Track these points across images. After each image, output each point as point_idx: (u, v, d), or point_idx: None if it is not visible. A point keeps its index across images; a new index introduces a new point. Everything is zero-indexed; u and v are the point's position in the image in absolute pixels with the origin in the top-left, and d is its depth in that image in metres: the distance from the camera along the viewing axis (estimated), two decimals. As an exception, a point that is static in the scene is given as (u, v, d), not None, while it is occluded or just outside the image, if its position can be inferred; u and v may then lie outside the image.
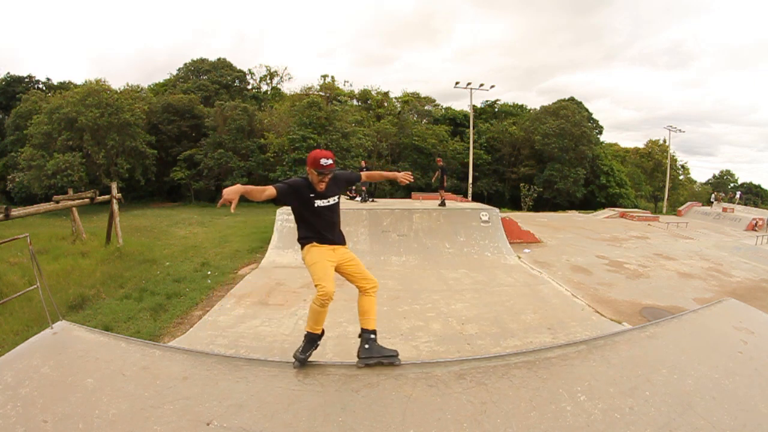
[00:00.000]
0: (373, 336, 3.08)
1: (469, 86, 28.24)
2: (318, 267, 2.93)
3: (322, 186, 3.00)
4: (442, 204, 12.40)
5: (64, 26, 79.94)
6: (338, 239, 3.16)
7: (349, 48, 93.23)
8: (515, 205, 36.36)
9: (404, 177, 3.46)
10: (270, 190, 2.84)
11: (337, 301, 6.87)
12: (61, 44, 77.27)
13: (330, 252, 3.06)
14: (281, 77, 44.32)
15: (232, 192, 2.59)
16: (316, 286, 2.88)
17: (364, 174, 3.58)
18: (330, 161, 2.95)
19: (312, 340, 3.08)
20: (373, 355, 3.04)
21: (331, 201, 3.10)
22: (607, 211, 24.88)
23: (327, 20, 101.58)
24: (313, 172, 2.94)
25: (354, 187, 16.56)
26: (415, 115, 42.03)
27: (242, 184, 2.73)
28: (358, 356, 3.08)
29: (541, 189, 36.05)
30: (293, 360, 3.08)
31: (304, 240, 3.10)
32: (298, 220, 3.11)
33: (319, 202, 3.02)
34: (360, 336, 3.14)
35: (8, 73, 34.71)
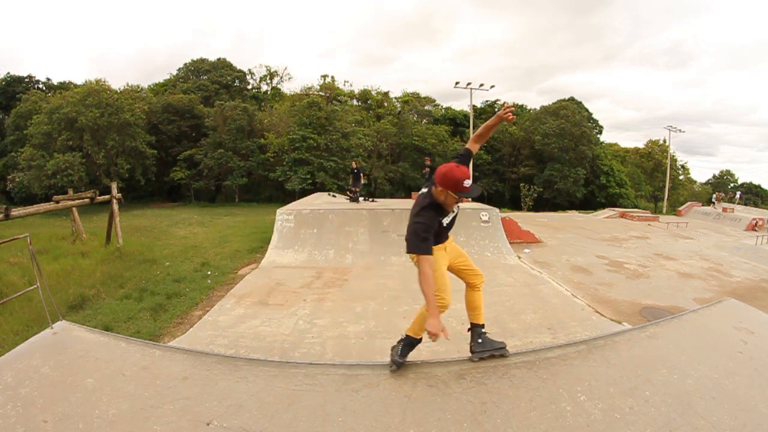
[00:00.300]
0: (484, 330, 3.12)
1: (469, 86, 28.25)
2: (437, 275, 2.76)
3: (454, 207, 2.76)
4: None
5: (64, 26, 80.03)
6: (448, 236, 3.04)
7: (349, 48, 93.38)
8: (515, 205, 36.38)
9: (505, 113, 2.86)
10: (430, 260, 2.58)
11: (337, 302, 6.90)
12: (61, 44, 77.39)
13: (443, 252, 2.93)
14: (281, 77, 44.42)
15: (437, 325, 2.45)
16: (431, 301, 2.71)
17: (470, 143, 3.04)
18: (471, 180, 2.59)
19: (411, 344, 3.04)
20: (486, 348, 3.07)
21: (456, 211, 2.90)
22: (607, 211, 24.89)
23: (327, 20, 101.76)
24: (452, 195, 2.59)
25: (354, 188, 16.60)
26: (415, 115, 42.06)
27: (430, 312, 2.49)
28: (472, 351, 3.09)
29: (541, 189, 36.08)
30: (390, 364, 3.00)
31: None
32: None
33: (445, 220, 2.83)
34: (470, 331, 3.14)
35: (8, 73, 34.79)
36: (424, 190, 2.82)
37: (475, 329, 3.11)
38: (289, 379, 2.92)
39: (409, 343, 3.02)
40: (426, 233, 2.62)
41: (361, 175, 13.75)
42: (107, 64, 63.43)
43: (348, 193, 15.74)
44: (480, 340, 3.08)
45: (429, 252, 2.58)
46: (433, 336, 2.44)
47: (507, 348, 3.12)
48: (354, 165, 14.40)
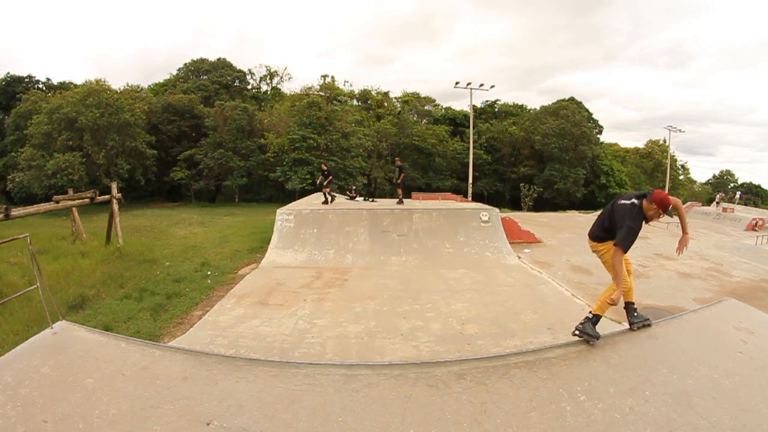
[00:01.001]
0: (635, 306, 3.85)
1: (469, 86, 28.22)
2: (623, 267, 3.54)
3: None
4: (400, 202, 12.92)
5: (64, 26, 79.91)
6: None
7: (349, 48, 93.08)
8: (515, 205, 36.38)
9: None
10: (624, 253, 3.48)
11: (337, 302, 6.90)
12: (61, 44, 77.21)
13: None
14: (281, 77, 44.37)
15: (620, 297, 3.44)
16: (620, 281, 3.43)
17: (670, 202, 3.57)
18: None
19: (598, 320, 3.62)
20: (640, 320, 3.78)
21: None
22: (607, 211, 24.84)
23: (327, 20, 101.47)
24: (659, 212, 3.42)
25: (354, 187, 16.64)
26: (415, 115, 42.04)
27: None
28: (631, 323, 3.77)
29: (541, 189, 36.07)
30: (588, 339, 3.53)
31: (610, 240, 3.63)
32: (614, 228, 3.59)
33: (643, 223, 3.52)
34: (626, 308, 3.83)
35: (8, 73, 34.74)
36: (634, 201, 3.51)
37: (630, 306, 3.81)
38: (289, 379, 2.92)
39: (597, 320, 3.61)
40: (635, 236, 3.42)
41: (330, 177, 13.59)
42: (107, 64, 63.25)
43: (349, 192, 15.74)
44: (636, 314, 3.78)
45: (628, 249, 3.44)
46: (617, 303, 3.44)
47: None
48: (324, 167, 14.13)
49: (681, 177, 50.49)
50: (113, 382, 2.82)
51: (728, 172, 61.24)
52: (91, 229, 13.71)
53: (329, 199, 13.02)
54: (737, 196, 32.96)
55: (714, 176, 61.30)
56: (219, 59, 40.12)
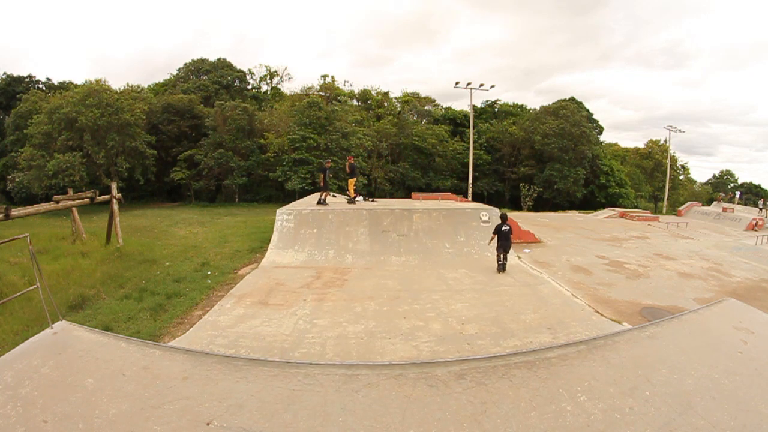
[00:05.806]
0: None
1: (469, 86, 28.20)
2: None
3: None
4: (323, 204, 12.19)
5: (65, 26, 80.00)
6: None
7: (349, 49, 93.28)
8: (515, 205, 36.37)
9: None
10: None
11: (337, 302, 6.90)
12: (62, 44, 77.30)
13: None
14: (281, 77, 44.35)
15: None
16: None
17: None
18: None
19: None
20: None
21: None
22: (607, 211, 24.86)
23: (326, 21, 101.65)
24: None
25: (354, 187, 16.65)
26: (415, 115, 42.06)
27: None
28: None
29: (541, 189, 36.05)
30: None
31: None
32: None
33: None
34: None
35: (4, 72, 34.74)
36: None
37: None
38: (289, 379, 2.92)
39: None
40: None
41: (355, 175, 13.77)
42: (107, 64, 63.48)
43: (349, 193, 15.77)
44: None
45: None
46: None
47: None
48: (350, 160, 14.24)
49: (681, 177, 50.45)
50: (113, 382, 2.82)
51: (728, 172, 61.23)
52: (91, 229, 13.70)
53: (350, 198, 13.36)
54: (737, 196, 32.97)
55: (714, 176, 61.31)
56: (219, 59, 40.13)
